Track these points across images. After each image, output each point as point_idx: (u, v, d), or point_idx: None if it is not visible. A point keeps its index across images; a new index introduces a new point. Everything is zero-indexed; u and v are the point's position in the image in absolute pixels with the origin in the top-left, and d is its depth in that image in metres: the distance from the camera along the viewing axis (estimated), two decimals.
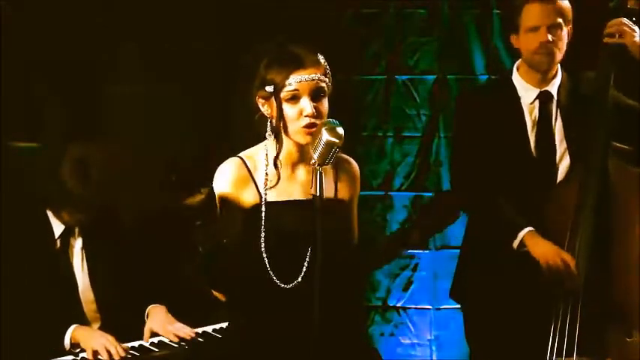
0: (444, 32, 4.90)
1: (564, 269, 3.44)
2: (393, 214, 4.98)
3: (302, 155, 2.90)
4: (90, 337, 3.58)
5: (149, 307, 3.77)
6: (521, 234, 3.54)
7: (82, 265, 3.75)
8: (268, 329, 2.88)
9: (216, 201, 2.84)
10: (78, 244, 3.75)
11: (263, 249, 2.82)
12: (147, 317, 3.76)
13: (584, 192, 3.46)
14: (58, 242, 3.71)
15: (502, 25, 4.63)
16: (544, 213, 3.56)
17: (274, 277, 2.84)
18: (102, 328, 3.73)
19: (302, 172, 2.92)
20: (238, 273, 2.83)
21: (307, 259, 2.85)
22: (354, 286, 3.09)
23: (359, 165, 4.86)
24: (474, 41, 4.88)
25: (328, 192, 2.85)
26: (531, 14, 3.58)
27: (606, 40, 3.55)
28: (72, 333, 3.60)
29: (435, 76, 4.93)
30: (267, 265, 2.84)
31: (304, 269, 2.84)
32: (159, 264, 3.86)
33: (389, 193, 4.98)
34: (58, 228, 3.71)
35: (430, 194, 4.96)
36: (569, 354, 3.41)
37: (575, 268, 3.44)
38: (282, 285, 2.85)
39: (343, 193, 2.96)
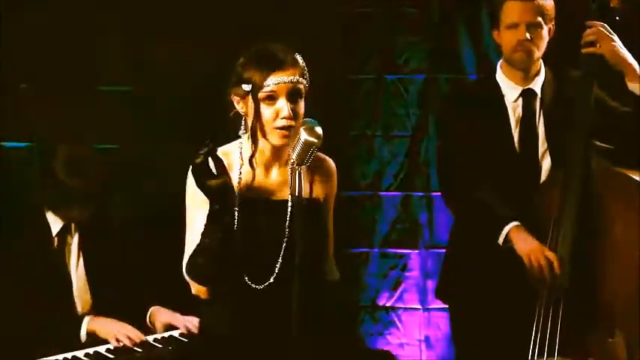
0: (434, 31, 4.89)
1: (547, 268, 3.44)
2: (382, 213, 4.97)
3: (276, 156, 2.89)
4: (107, 325, 3.63)
5: (151, 309, 3.79)
6: (506, 229, 3.53)
7: (78, 262, 3.77)
8: (243, 330, 2.87)
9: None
10: (74, 241, 3.77)
11: (236, 247, 2.81)
12: (151, 317, 3.78)
13: (567, 191, 3.45)
14: (56, 240, 3.73)
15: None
16: (528, 212, 3.55)
17: (246, 278, 2.83)
18: None
19: (276, 172, 2.91)
20: (216, 270, 2.81)
21: (280, 259, 2.84)
22: (333, 287, 3.06)
23: (348, 164, 4.93)
24: (464, 41, 4.87)
25: (304, 191, 2.83)
26: (511, 11, 3.59)
27: (584, 50, 3.53)
28: (87, 325, 3.65)
29: (424, 76, 4.92)
30: (240, 264, 2.82)
31: (277, 270, 2.83)
32: (155, 261, 3.86)
33: (378, 192, 4.97)
34: (55, 226, 3.73)
35: (420, 194, 4.95)
36: (551, 354, 3.40)
37: (558, 267, 3.43)
38: (255, 285, 2.84)
39: (318, 192, 2.94)
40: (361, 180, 4.97)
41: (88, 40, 4.76)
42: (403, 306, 4.96)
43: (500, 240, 3.54)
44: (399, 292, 4.96)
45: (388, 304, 4.97)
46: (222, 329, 2.89)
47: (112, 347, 3.58)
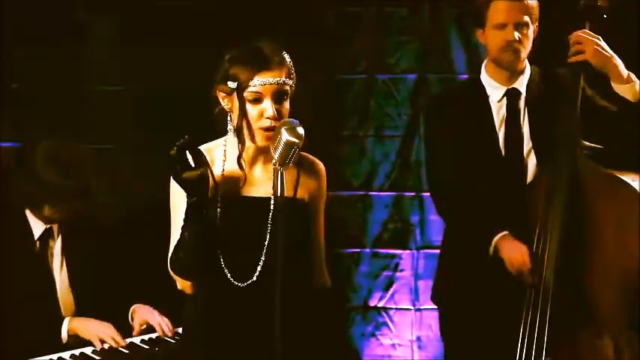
0: (424, 31, 4.88)
1: (524, 267, 3.44)
2: (374, 213, 4.96)
3: (260, 153, 2.88)
4: (89, 325, 3.60)
5: (133, 306, 3.78)
6: (494, 240, 3.52)
7: (62, 265, 3.75)
8: (225, 326, 2.86)
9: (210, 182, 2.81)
10: (57, 245, 3.75)
11: (218, 244, 2.80)
12: (132, 314, 3.77)
13: (553, 191, 3.44)
14: (37, 244, 3.71)
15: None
16: (515, 213, 3.53)
17: (228, 274, 2.82)
18: None
19: (259, 170, 2.90)
20: (197, 265, 2.80)
21: (263, 257, 2.83)
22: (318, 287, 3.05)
23: (340, 164, 4.91)
24: (455, 40, 4.86)
25: (287, 191, 2.81)
26: (499, 11, 3.55)
27: (570, 59, 3.49)
28: (68, 325, 3.62)
29: (415, 75, 4.91)
30: (222, 261, 2.81)
31: (259, 268, 2.82)
32: (141, 262, 3.85)
33: (369, 193, 4.96)
34: (37, 230, 3.71)
35: (411, 194, 4.94)
36: (539, 356, 3.38)
37: (531, 263, 3.43)
38: (237, 283, 2.82)
39: (303, 193, 2.92)
40: (353, 180, 4.96)
41: (80, 40, 4.77)
42: (395, 306, 4.95)
43: (491, 250, 3.53)
44: (390, 292, 4.95)
45: (380, 305, 4.96)
46: (205, 325, 2.88)
47: (97, 349, 3.57)
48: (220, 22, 4.67)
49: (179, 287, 2.92)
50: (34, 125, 4.63)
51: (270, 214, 2.84)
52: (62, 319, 3.69)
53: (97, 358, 3.52)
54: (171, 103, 4.71)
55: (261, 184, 2.88)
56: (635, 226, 3.35)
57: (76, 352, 3.54)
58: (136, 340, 3.66)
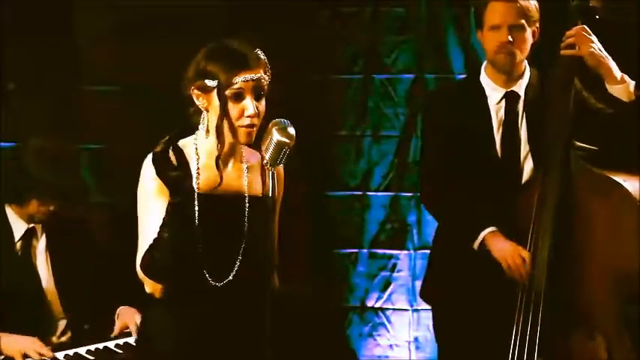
0: (422, 31, 4.87)
1: (522, 267, 3.42)
2: (371, 214, 4.95)
3: (232, 152, 2.87)
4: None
5: (120, 308, 3.77)
6: (482, 234, 3.50)
7: (47, 264, 3.74)
8: (201, 330, 2.83)
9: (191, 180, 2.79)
10: (41, 244, 3.75)
11: (196, 242, 2.78)
12: (117, 316, 3.75)
13: (546, 192, 3.43)
14: (19, 244, 3.71)
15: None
16: (509, 214, 3.52)
17: (206, 274, 2.80)
18: (69, 326, 3.74)
19: (230, 168, 2.88)
20: (174, 266, 2.76)
21: (240, 256, 2.82)
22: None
23: (337, 165, 4.90)
24: (452, 40, 4.85)
25: (257, 189, 2.87)
26: (494, 12, 3.54)
27: (563, 52, 3.48)
28: None
29: (413, 76, 4.90)
30: (198, 260, 2.79)
31: (236, 267, 2.81)
32: (125, 261, 3.84)
33: (367, 193, 4.95)
34: (18, 230, 3.70)
35: (409, 194, 4.93)
36: (531, 356, 3.37)
37: (530, 265, 3.41)
38: (214, 283, 2.81)
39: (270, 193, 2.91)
40: (350, 180, 4.96)
41: (77, 40, 4.77)
42: (392, 307, 4.95)
43: (476, 245, 3.52)
44: (388, 293, 4.94)
45: (377, 305, 4.96)
46: (179, 329, 2.84)
47: (92, 349, 3.57)
48: (217, 22, 4.66)
49: (148, 290, 2.85)
50: (30, 125, 4.63)
51: (246, 212, 2.84)
52: (55, 318, 3.71)
53: (91, 358, 3.53)
54: (170, 102, 4.71)
55: (232, 182, 2.87)
56: (628, 227, 3.34)
57: (70, 352, 3.54)
58: (131, 340, 3.65)
